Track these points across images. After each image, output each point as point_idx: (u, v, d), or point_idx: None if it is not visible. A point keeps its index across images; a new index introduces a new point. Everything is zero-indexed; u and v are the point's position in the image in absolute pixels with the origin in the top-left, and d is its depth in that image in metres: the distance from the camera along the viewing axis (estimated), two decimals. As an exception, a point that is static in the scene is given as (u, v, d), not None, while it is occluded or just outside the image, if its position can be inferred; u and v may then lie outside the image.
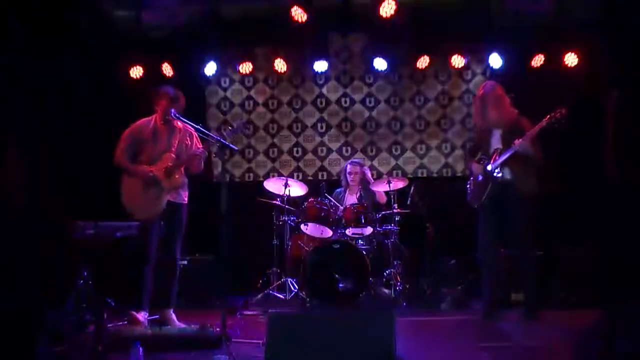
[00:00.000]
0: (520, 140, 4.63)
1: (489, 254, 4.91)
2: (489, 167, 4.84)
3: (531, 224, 4.81)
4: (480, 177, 4.94)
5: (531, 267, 4.87)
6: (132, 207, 4.59)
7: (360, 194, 6.29)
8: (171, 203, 4.64)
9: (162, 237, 4.68)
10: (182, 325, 4.30)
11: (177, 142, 4.74)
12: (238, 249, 6.72)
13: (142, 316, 4.54)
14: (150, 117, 4.78)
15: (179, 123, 4.71)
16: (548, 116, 4.59)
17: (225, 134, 4.47)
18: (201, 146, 4.75)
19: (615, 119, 4.24)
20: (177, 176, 4.67)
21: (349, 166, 6.35)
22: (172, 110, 4.46)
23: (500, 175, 4.76)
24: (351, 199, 6.30)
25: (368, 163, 7.24)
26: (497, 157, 4.81)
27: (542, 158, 4.74)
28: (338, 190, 6.45)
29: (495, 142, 4.89)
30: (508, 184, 4.78)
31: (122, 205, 4.59)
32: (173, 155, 4.68)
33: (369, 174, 6.40)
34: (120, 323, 4.55)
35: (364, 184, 6.31)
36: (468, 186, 5.12)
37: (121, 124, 4.72)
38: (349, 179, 6.33)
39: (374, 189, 6.20)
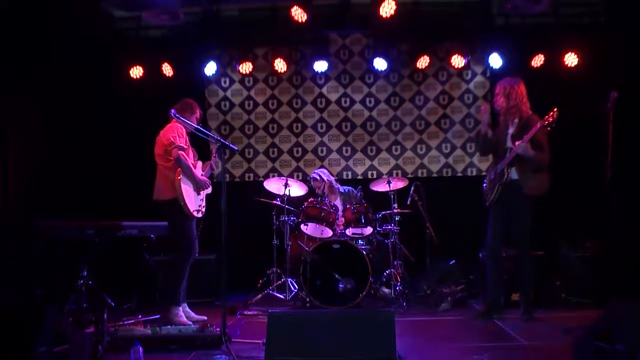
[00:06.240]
0: (520, 142, 4.66)
1: (495, 253, 4.93)
2: (498, 166, 4.90)
3: (532, 226, 4.82)
4: (493, 176, 4.99)
5: (529, 269, 4.88)
6: (192, 206, 4.83)
7: (344, 199, 6.32)
8: None
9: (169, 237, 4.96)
10: (189, 323, 4.36)
11: None
12: (238, 249, 6.71)
13: (181, 310, 4.75)
14: (173, 124, 4.88)
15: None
16: (542, 119, 4.63)
17: None
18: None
19: (615, 119, 4.23)
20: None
21: (312, 181, 6.38)
22: (173, 110, 4.45)
23: (506, 176, 4.79)
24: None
25: (368, 163, 7.25)
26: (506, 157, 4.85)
27: (545, 159, 4.75)
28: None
29: (508, 142, 4.92)
30: (514, 184, 4.80)
31: (179, 203, 4.73)
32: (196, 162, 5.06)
33: (334, 182, 6.45)
34: (121, 323, 4.55)
35: (334, 189, 6.37)
36: (484, 184, 5.16)
37: (121, 124, 4.71)
38: (317, 191, 6.33)
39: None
